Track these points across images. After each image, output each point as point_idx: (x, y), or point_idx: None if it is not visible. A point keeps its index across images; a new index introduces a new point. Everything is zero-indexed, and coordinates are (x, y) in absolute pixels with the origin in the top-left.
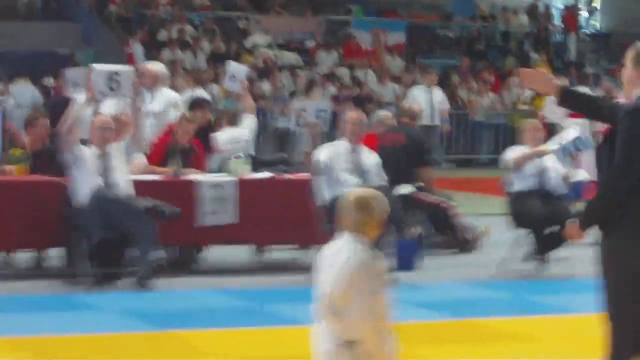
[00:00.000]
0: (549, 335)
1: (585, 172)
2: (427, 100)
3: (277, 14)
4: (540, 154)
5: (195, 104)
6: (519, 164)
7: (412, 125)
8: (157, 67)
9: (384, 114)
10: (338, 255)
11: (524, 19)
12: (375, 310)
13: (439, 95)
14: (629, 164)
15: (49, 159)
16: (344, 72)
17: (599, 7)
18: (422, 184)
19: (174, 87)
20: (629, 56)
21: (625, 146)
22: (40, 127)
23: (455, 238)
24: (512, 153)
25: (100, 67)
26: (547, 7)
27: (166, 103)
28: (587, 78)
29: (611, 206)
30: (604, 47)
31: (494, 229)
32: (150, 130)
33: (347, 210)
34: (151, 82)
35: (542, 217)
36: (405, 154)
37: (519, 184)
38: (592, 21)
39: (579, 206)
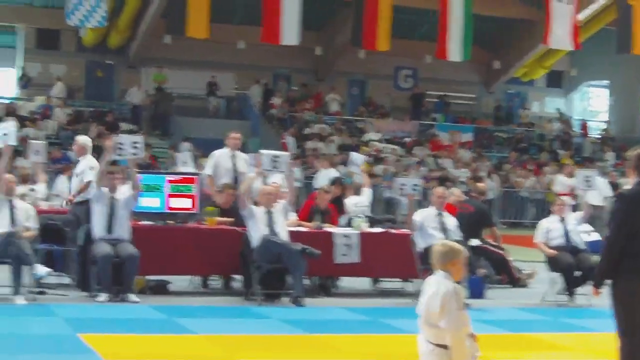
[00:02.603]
0: (575, 345)
1: (597, 234)
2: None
3: (385, 118)
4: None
5: (334, 181)
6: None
7: (478, 198)
8: (83, 139)
9: (457, 190)
10: (431, 286)
11: (554, 125)
12: (461, 321)
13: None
14: (615, 237)
15: (233, 214)
16: (430, 160)
17: (607, 118)
18: (485, 238)
19: (313, 167)
20: (628, 157)
21: (613, 224)
22: (228, 193)
23: (509, 277)
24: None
25: (265, 152)
26: (569, 119)
27: (86, 166)
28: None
29: (609, 268)
30: (611, 146)
31: (537, 272)
32: (73, 186)
33: (435, 255)
34: (79, 151)
35: (570, 264)
36: (473, 218)
37: (552, 243)
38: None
39: (595, 257)
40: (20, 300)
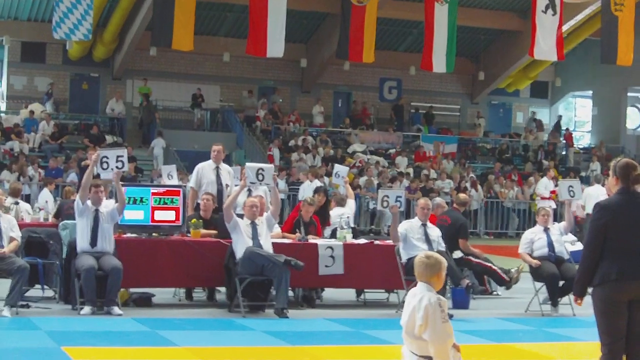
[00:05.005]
0: (559, 355)
1: (581, 244)
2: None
3: (369, 130)
4: None
5: (317, 190)
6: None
7: (459, 210)
8: None
9: (440, 201)
10: (414, 298)
11: (538, 135)
12: (445, 333)
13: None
14: (591, 246)
15: (215, 226)
16: (414, 171)
17: (590, 129)
18: (471, 248)
19: (298, 179)
20: (610, 167)
21: (589, 233)
22: (205, 199)
23: (499, 282)
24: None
25: (250, 164)
26: (554, 129)
27: None
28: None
29: (586, 275)
30: (596, 156)
31: (520, 282)
32: None
33: (420, 267)
34: None
35: (554, 274)
36: (450, 231)
37: (535, 253)
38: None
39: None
40: (3, 314)
